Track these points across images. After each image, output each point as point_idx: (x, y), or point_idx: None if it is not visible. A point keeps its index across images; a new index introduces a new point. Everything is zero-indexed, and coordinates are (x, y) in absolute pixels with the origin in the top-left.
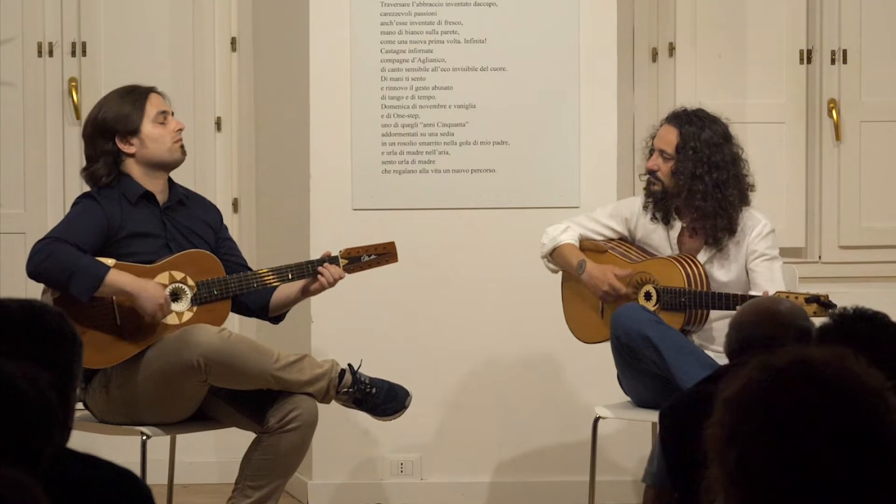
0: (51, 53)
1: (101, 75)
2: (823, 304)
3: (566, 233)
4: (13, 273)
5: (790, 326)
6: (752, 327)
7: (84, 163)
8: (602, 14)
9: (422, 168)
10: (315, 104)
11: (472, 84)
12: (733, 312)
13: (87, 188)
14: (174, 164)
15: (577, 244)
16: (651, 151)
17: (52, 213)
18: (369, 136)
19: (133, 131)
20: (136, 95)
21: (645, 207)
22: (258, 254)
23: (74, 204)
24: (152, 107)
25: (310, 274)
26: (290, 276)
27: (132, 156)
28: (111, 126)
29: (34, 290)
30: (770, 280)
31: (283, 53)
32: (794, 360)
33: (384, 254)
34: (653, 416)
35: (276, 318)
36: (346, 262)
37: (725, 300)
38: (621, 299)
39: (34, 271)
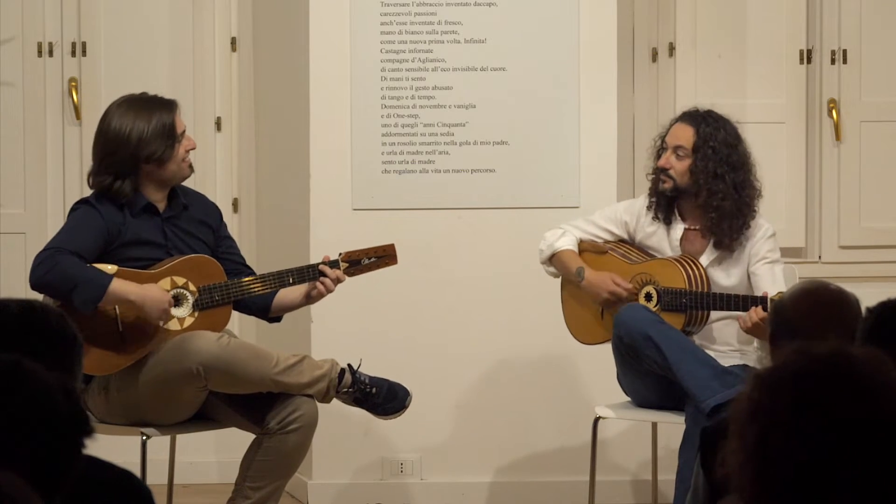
0: (51, 53)
1: (101, 75)
2: None
3: (563, 238)
4: (13, 273)
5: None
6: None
7: (81, 162)
8: (602, 14)
9: (422, 168)
10: (315, 104)
11: (472, 84)
12: (734, 313)
13: (87, 191)
14: (181, 181)
15: (575, 249)
16: (661, 150)
17: (52, 213)
18: (369, 137)
19: (162, 160)
20: (169, 126)
21: (648, 207)
22: (258, 254)
23: (72, 210)
24: (181, 133)
25: (311, 277)
26: (290, 280)
27: (146, 174)
28: (142, 154)
29: (34, 291)
30: (772, 283)
31: (283, 53)
32: (834, 351)
33: (384, 256)
34: (653, 416)
35: (275, 319)
36: (347, 265)
37: (726, 301)
38: (622, 302)
39: (37, 283)
